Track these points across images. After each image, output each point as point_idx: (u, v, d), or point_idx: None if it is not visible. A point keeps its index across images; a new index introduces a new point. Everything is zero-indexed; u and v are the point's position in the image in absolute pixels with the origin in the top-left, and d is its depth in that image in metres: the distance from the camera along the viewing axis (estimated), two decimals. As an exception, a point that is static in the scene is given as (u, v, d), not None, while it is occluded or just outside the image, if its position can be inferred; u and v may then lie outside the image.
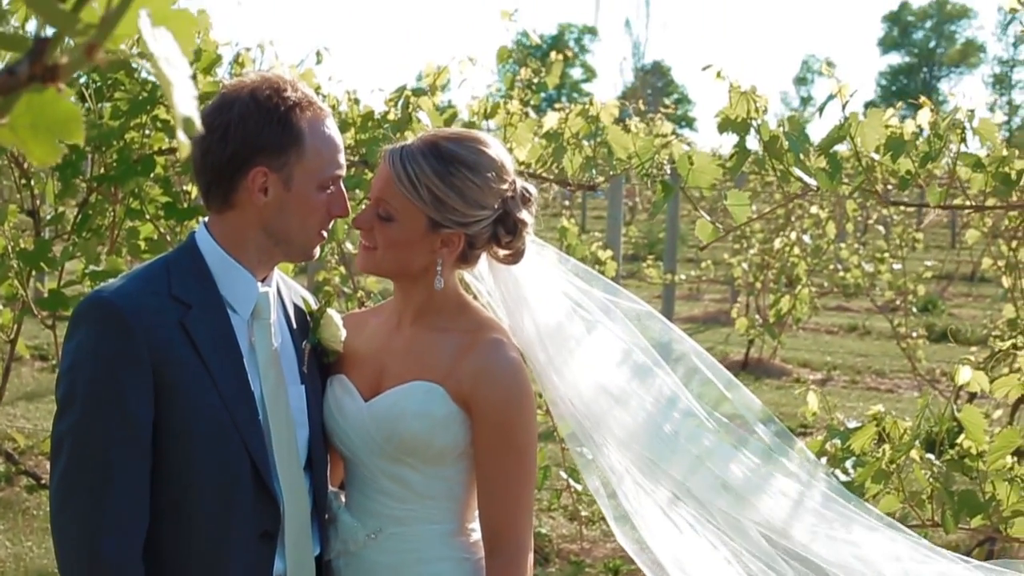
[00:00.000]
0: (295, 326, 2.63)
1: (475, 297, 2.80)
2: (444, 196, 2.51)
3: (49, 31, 0.87)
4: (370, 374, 2.65)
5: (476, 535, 2.64)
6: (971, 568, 2.90)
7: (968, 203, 4.51)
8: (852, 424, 3.72)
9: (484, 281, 2.79)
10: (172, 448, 2.36)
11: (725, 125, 3.81)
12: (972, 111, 3.99)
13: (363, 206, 2.99)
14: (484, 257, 2.69)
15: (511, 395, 2.55)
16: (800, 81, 76.62)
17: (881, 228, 16.79)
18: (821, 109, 3.96)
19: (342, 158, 2.53)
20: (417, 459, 2.56)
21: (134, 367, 2.32)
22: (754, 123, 3.79)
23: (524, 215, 2.61)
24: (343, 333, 2.69)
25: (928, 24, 76.21)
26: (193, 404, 2.37)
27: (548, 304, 2.80)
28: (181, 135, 0.84)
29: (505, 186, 2.58)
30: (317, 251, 2.61)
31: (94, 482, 2.31)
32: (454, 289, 2.67)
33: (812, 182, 3.87)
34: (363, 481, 2.64)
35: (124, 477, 2.31)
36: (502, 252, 2.65)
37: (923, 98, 4.01)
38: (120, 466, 2.31)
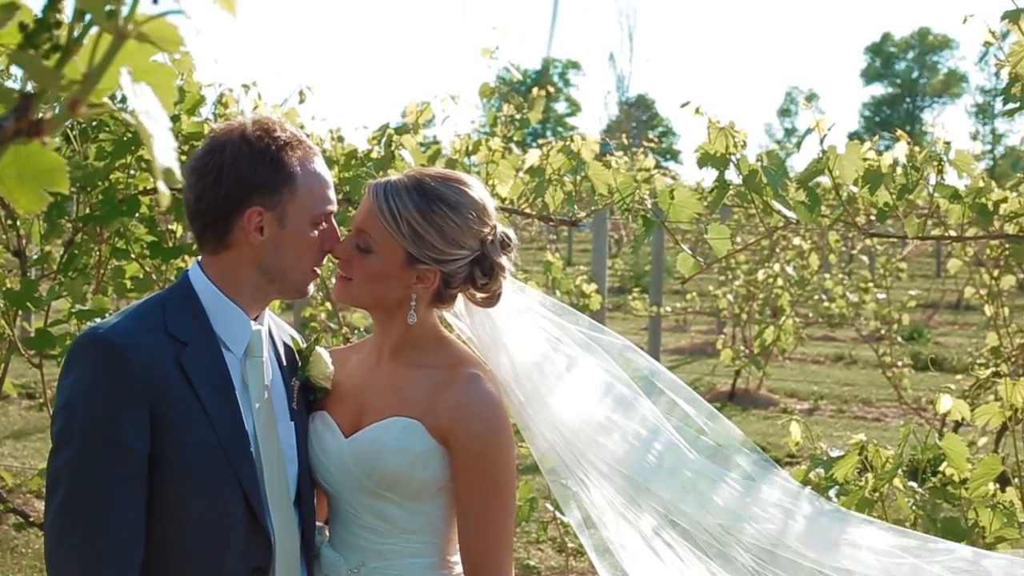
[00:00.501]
0: (285, 363, 2.66)
1: (458, 337, 2.82)
2: (423, 232, 2.54)
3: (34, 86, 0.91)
4: (350, 410, 2.67)
5: (458, 568, 2.65)
6: (977, 552, 2.90)
7: (947, 234, 4.55)
8: (835, 453, 3.74)
9: (464, 319, 2.82)
10: (167, 483, 2.37)
11: (704, 160, 3.84)
12: (949, 143, 4.03)
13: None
14: (462, 298, 2.72)
15: (489, 429, 2.57)
16: (784, 113, 76.80)
17: (865, 258, 16.86)
18: (799, 143, 3.99)
19: (332, 194, 2.57)
20: (397, 494, 2.58)
21: (131, 403, 2.33)
22: (733, 158, 3.82)
23: (502, 259, 2.64)
24: (331, 370, 2.71)
25: (910, 55, 76.49)
26: (188, 440, 2.38)
27: (526, 343, 2.81)
28: (162, 186, 0.87)
29: (486, 229, 2.62)
30: (311, 288, 2.64)
31: (92, 517, 2.31)
32: (432, 325, 2.69)
33: (792, 215, 3.90)
34: (345, 516, 2.66)
35: (121, 512, 2.32)
36: (479, 295, 2.68)
37: (899, 131, 4.06)
38: (117, 501, 2.31)
